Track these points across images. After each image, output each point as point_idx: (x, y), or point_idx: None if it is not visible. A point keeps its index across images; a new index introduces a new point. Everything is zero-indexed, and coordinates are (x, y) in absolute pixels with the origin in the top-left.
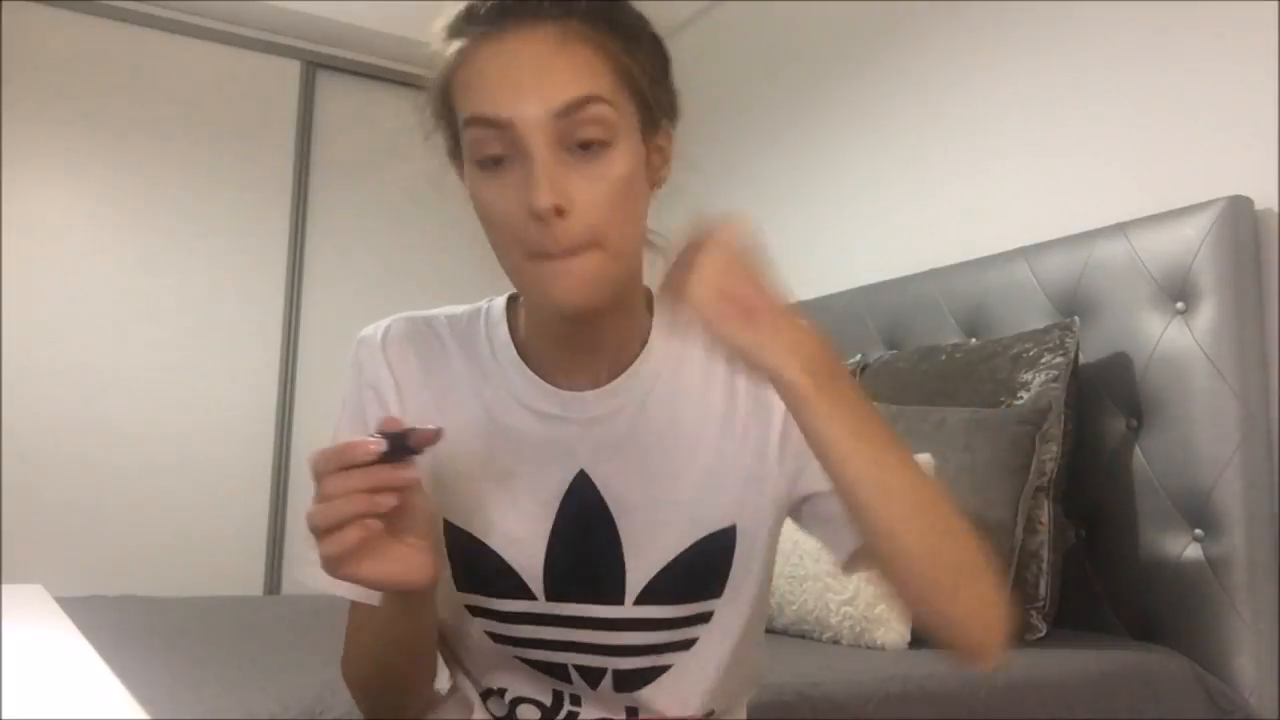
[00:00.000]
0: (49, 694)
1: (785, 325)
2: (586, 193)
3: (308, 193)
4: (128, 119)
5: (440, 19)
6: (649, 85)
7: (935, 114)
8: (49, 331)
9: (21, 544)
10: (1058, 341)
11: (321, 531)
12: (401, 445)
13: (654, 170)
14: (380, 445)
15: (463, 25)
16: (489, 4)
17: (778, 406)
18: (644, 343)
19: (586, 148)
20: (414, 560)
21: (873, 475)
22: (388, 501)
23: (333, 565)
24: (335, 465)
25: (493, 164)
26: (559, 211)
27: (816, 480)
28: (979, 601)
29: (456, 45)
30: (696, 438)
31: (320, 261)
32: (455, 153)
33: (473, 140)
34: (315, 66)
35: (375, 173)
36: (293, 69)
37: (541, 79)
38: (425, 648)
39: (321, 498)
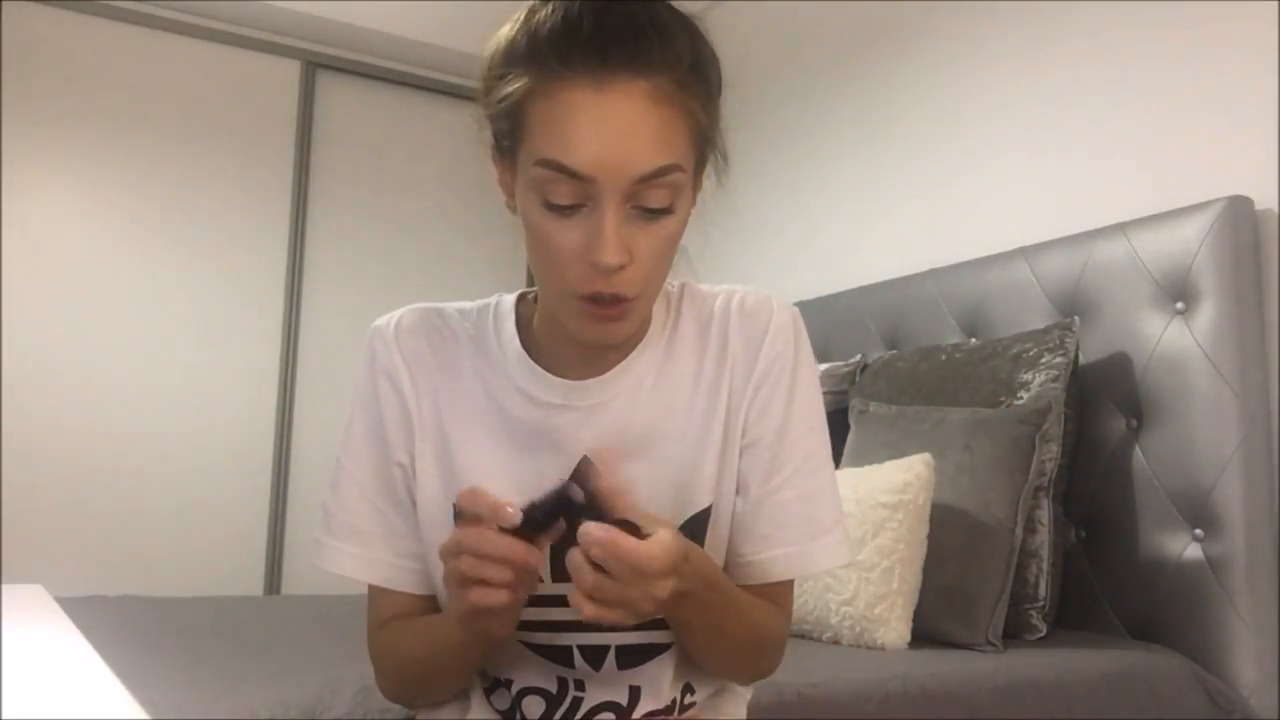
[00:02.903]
0: (49, 694)
1: (657, 606)
2: (645, 248)
3: (308, 193)
4: (128, 119)
5: (527, 19)
6: (713, 135)
7: (935, 114)
8: (49, 332)
9: (21, 544)
10: (1058, 341)
11: (468, 581)
12: (537, 524)
13: (696, 187)
14: (517, 518)
15: (555, 50)
16: (591, 42)
17: (756, 373)
18: (644, 333)
19: (653, 209)
20: (513, 615)
21: (703, 636)
22: (532, 585)
23: (471, 615)
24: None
25: (561, 206)
26: (621, 266)
27: (748, 471)
28: (748, 673)
29: (545, 74)
30: (687, 418)
31: (320, 261)
32: (501, 151)
33: (543, 179)
34: (315, 66)
35: (375, 173)
36: (293, 69)
37: (629, 144)
38: (476, 664)
39: (462, 548)
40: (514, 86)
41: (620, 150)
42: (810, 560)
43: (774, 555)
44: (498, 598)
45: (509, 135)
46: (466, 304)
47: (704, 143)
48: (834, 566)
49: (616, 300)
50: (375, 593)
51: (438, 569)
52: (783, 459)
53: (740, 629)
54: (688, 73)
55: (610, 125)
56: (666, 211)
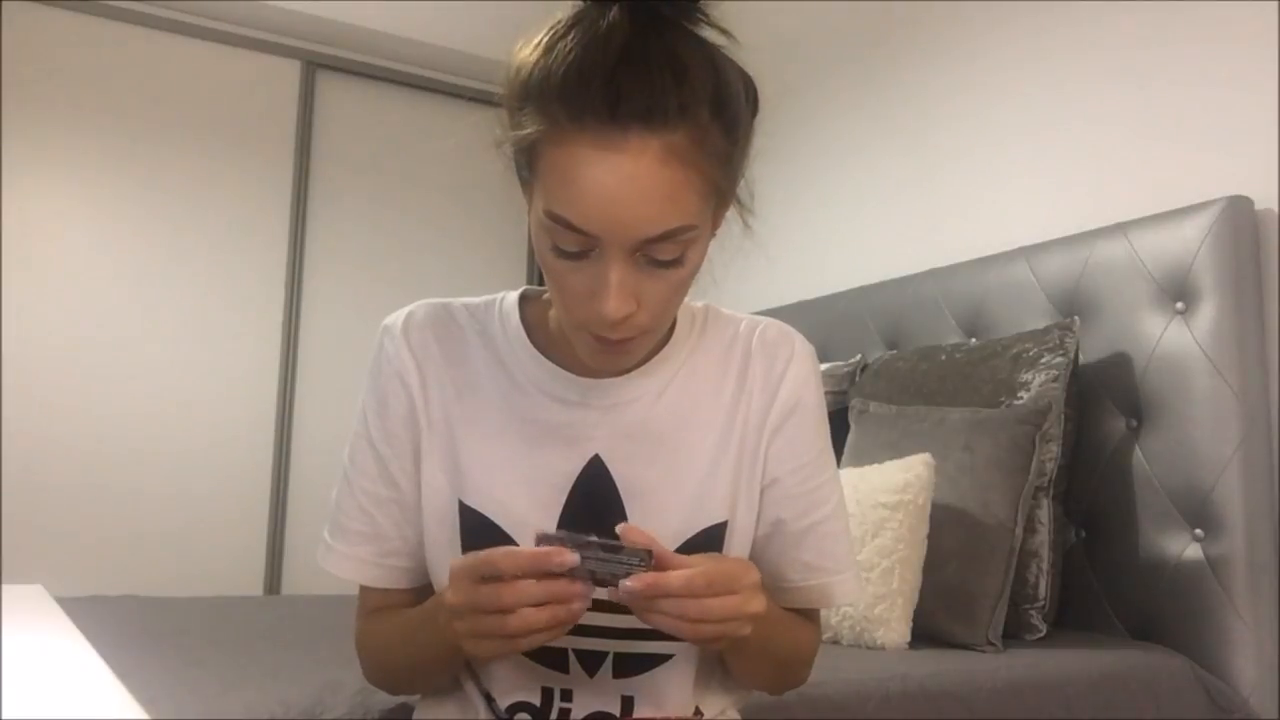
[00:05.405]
0: (49, 694)
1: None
2: (654, 293)
3: (308, 193)
4: (128, 119)
5: (547, 50)
6: (735, 179)
7: (935, 115)
8: (49, 331)
9: (21, 544)
10: (1058, 341)
11: (505, 609)
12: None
13: (716, 226)
14: (575, 559)
15: (565, 101)
16: (603, 94)
17: (775, 409)
18: (668, 339)
19: (662, 260)
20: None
21: (758, 646)
22: (580, 611)
23: (494, 646)
24: (528, 570)
25: (569, 252)
26: (625, 316)
27: (777, 506)
28: (786, 685)
29: (555, 123)
30: (705, 431)
31: (320, 261)
32: (521, 178)
33: (551, 229)
34: (315, 66)
35: (375, 173)
36: (293, 69)
37: (637, 208)
38: (462, 663)
39: (512, 591)
40: (527, 130)
41: (627, 213)
42: (854, 588)
43: (824, 582)
44: (543, 637)
45: (526, 168)
46: (472, 299)
47: (721, 193)
48: (858, 597)
49: (623, 338)
50: (362, 585)
51: (438, 564)
52: (821, 494)
53: (784, 644)
54: (709, 118)
55: (618, 187)
56: (676, 263)
